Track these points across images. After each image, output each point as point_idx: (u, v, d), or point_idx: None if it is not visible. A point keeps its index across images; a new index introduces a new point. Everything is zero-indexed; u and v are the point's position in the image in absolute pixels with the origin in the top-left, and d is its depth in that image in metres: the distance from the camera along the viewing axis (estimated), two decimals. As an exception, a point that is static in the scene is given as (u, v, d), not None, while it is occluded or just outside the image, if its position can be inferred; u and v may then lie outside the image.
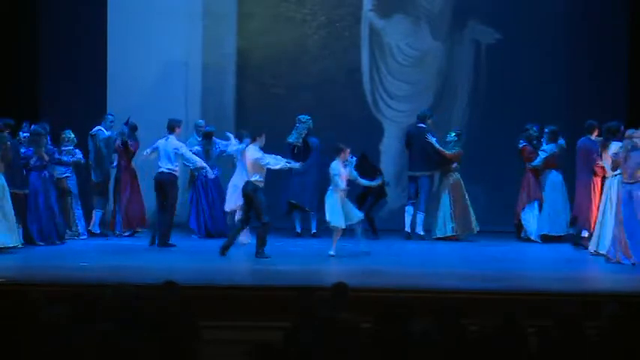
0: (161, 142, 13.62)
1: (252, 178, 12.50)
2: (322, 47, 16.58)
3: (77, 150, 14.49)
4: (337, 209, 12.54)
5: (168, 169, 13.54)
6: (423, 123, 14.85)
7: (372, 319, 6.43)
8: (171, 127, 13.74)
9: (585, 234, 13.59)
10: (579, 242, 13.61)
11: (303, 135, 14.79)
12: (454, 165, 14.58)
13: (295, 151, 14.68)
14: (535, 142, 14.50)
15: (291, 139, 14.74)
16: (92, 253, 13.23)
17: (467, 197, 14.54)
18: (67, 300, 6.74)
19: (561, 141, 14.40)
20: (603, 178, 13.22)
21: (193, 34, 16.57)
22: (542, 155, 14.34)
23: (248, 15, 16.63)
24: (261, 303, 9.54)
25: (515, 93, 16.17)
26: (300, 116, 14.89)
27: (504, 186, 15.23)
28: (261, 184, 12.52)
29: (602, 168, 13.18)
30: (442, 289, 10.07)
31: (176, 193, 13.71)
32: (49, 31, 16.32)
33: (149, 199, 14.70)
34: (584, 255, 13.01)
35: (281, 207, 14.81)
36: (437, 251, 13.49)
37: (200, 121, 15.42)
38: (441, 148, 14.57)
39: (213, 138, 14.82)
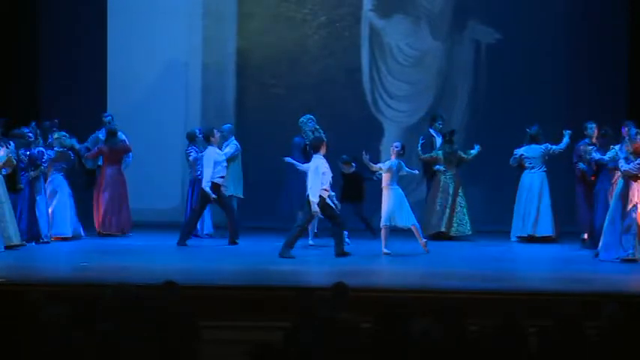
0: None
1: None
2: (322, 47, 16.57)
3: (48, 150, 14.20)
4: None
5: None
6: (429, 126, 14.94)
7: (372, 319, 6.43)
8: (206, 138, 13.77)
9: (584, 236, 13.70)
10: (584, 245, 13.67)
11: (313, 131, 14.67)
12: (435, 167, 14.71)
13: (308, 149, 14.50)
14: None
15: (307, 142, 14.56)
16: (92, 253, 13.23)
17: (438, 200, 14.59)
18: (67, 300, 6.74)
19: (548, 145, 14.42)
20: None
21: (193, 34, 16.57)
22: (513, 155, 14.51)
23: (248, 15, 16.63)
24: (261, 303, 9.53)
25: (515, 93, 16.16)
26: (305, 117, 14.67)
27: (504, 186, 15.22)
28: (325, 193, 12.52)
29: (581, 170, 13.72)
30: (442, 289, 10.07)
31: (202, 198, 13.65)
32: (49, 31, 16.33)
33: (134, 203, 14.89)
34: (584, 255, 13.02)
35: (283, 207, 14.73)
36: (437, 251, 13.47)
37: (225, 126, 14.84)
38: (419, 150, 14.78)
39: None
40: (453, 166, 14.69)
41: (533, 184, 14.45)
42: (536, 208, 14.38)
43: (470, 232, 14.65)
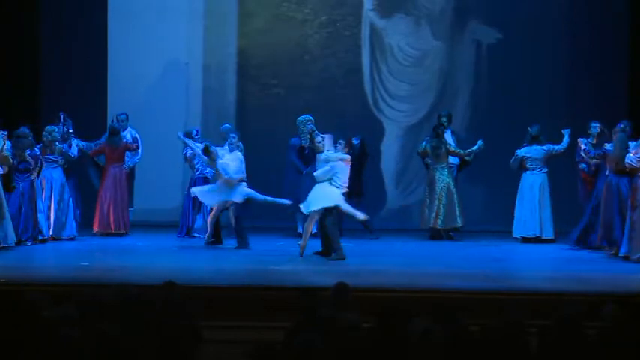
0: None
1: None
2: (323, 47, 16.57)
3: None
4: None
5: None
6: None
7: (372, 319, 6.44)
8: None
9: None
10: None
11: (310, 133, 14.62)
12: (425, 161, 14.88)
13: (306, 151, 14.47)
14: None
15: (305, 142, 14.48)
16: (92, 253, 13.23)
17: (428, 195, 14.67)
18: (68, 300, 6.74)
19: (550, 146, 14.42)
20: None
21: (194, 34, 16.57)
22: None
23: (249, 15, 16.63)
24: (261, 303, 9.54)
25: (516, 93, 16.17)
26: (303, 117, 14.61)
27: (504, 186, 15.22)
28: None
29: (582, 170, 13.92)
30: (442, 289, 10.07)
31: None
32: (50, 31, 16.32)
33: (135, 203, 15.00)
34: (584, 255, 13.04)
35: (283, 207, 14.68)
36: (437, 251, 13.48)
37: (224, 126, 14.66)
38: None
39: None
40: (441, 160, 14.69)
41: (534, 185, 14.44)
42: (538, 210, 14.37)
43: (459, 225, 14.60)
